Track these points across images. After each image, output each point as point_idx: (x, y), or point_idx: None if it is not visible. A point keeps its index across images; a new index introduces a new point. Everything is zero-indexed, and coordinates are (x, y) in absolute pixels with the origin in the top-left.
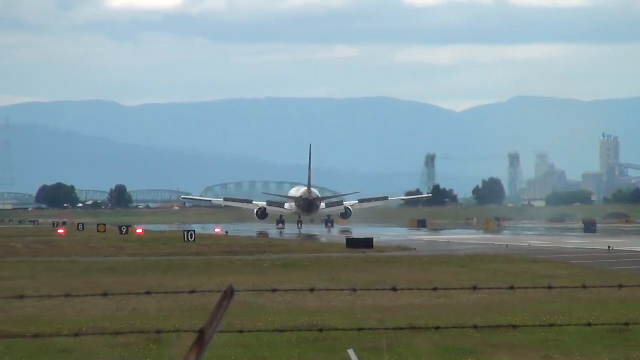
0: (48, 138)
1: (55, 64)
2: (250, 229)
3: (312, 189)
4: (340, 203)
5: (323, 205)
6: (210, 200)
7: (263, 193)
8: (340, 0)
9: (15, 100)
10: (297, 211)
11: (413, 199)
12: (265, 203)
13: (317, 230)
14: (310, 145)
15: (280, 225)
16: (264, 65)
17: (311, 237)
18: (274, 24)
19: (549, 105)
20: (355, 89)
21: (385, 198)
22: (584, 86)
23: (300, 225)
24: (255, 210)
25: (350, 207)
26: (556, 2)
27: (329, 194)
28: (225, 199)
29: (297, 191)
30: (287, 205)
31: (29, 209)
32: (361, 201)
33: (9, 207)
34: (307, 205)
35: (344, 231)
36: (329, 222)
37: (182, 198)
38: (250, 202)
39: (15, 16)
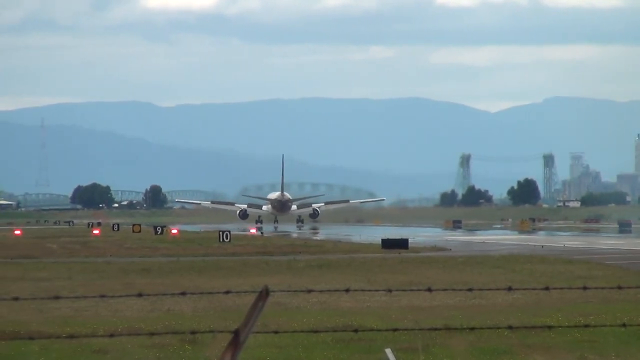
0: (83, 138)
1: (90, 65)
2: (234, 228)
3: (285, 193)
4: (309, 205)
5: (295, 207)
6: (199, 203)
7: (243, 195)
8: (376, 1)
9: (50, 101)
10: (272, 212)
11: (370, 201)
12: (246, 205)
13: (290, 228)
14: (283, 155)
15: (259, 224)
16: (299, 66)
17: (287, 235)
18: (309, 25)
19: (584, 106)
20: (390, 89)
21: (347, 201)
22: (619, 87)
23: (276, 224)
24: (238, 212)
25: (317, 209)
26: (592, 3)
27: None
28: (212, 202)
29: (273, 195)
30: (264, 207)
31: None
32: (327, 203)
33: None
34: (281, 206)
35: (313, 229)
36: (299, 221)
37: (176, 201)
38: (233, 204)
39: (49, 17)
